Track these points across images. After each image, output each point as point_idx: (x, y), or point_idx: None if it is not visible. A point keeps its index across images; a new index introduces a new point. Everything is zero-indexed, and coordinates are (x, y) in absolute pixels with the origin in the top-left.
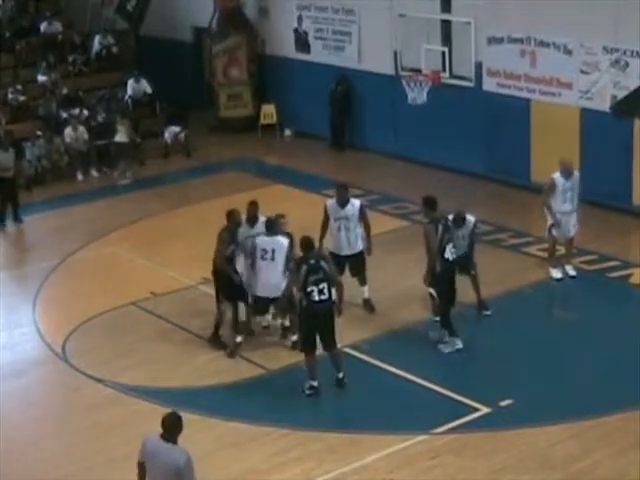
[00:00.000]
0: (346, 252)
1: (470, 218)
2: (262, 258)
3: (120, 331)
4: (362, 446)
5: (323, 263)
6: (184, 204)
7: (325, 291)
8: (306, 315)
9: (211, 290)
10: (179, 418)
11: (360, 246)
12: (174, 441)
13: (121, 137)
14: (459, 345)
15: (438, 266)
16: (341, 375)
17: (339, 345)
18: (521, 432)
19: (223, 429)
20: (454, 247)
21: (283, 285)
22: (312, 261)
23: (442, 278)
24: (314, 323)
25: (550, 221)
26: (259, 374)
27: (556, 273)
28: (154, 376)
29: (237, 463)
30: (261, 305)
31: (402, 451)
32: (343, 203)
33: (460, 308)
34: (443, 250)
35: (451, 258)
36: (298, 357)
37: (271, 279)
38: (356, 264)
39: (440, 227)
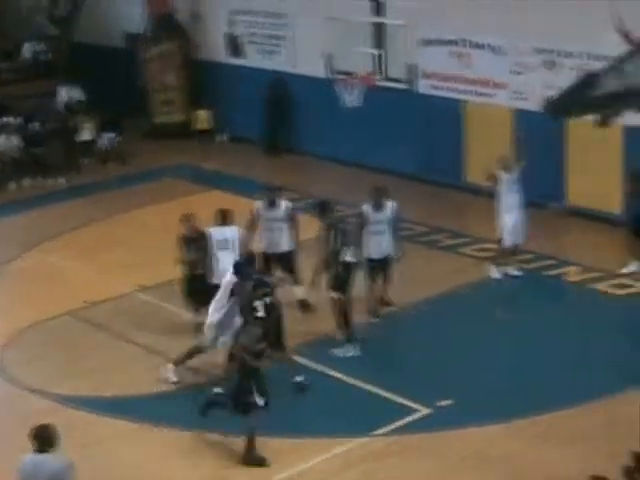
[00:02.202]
0: (272, 250)
1: (389, 202)
2: (220, 248)
3: (57, 340)
4: (304, 450)
5: (268, 278)
6: (121, 211)
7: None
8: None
9: (148, 297)
10: (51, 427)
11: (289, 246)
12: (50, 450)
13: (85, 136)
14: (351, 353)
15: (335, 269)
16: (298, 379)
17: None
18: (461, 432)
19: (164, 438)
20: (352, 250)
21: None
22: (258, 276)
23: (344, 281)
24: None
25: (504, 223)
26: (198, 381)
27: (496, 273)
28: (92, 385)
29: (180, 472)
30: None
31: (344, 454)
32: (272, 204)
33: (398, 310)
34: (338, 253)
35: (348, 260)
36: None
37: (227, 266)
38: (287, 264)
39: (334, 231)
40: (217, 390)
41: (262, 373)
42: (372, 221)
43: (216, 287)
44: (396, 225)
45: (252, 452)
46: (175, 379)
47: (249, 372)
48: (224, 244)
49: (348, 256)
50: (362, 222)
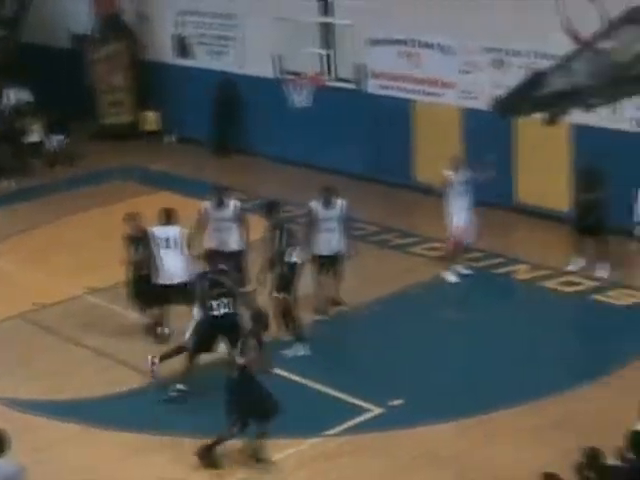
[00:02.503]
0: (222, 249)
1: (339, 200)
2: (163, 246)
3: (7, 343)
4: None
5: (224, 278)
6: (69, 213)
7: (226, 305)
8: (206, 324)
9: (97, 299)
10: (3, 433)
11: (239, 245)
12: (0, 455)
13: (34, 137)
14: (302, 352)
15: (279, 268)
16: None
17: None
18: (411, 431)
19: (114, 441)
20: (297, 250)
21: (184, 271)
22: (214, 276)
23: (288, 281)
24: (212, 334)
25: (454, 224)
26: (149, 383)
27: (452, 277)
28: (42, 388)
29: (131, 473)
30: (166, 294)
31: (296, 454)
32: (220, 204)
33: (349, 310)
34: (283, 253)
35: (293, 261)
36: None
37: (174, 265)
38: (235, 263)
39: (280, 231)
40: (179, 386)
41: None
42: (322, 218)
43: (162, 287)
44: (346, 223)
45: (212, 452)
46: (156, 373)
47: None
48: (167, 243)
49: (293, 256)
50: (312, 220)
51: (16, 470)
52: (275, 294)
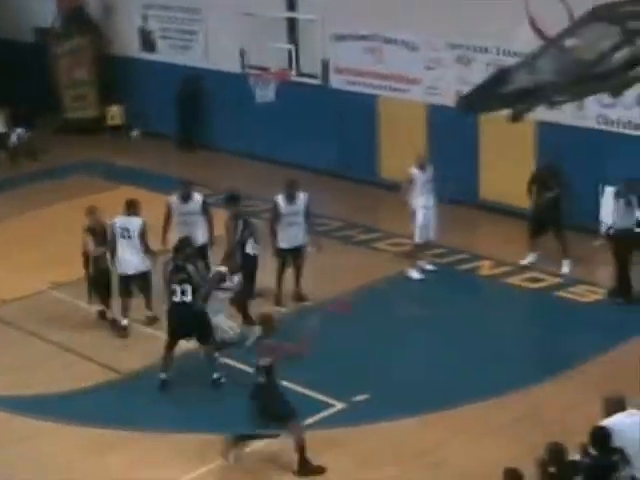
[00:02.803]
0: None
1: (302, 195)
2: (122, 236)
3: None
4: (217, 447)
5: (189, 266)
6: (31, 208)
7: (187, 293)
8: (170, 314)
9: (61, 294)
10: None
11: (204, 239)
12: None
13: None
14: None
15: (239, 259)
16: (216, 375)
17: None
18: (376, 426)
19: (80, 436)
20: (256, 242)
21: (143, 262)
22: (179, 262)
23: (247, 272)
24: (177, 322)
25: (416, 221)
26: (112, 378)
27: (416, 274)
28: (6, 385)
29: (92, 471)
30: (124, 285)
31: (260, 450)
32: (186, 198)
33: (313, 305)
34: (244, 244)
35: (252, 253)
36: (152, 359)
37: (132, 255)
38: (201, 257)
39: (241, 223)
40: (161, 375)
41: None
42: (285, 213)
43: (120, 277)
44: (309, 217)
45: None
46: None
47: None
48: (125, 233)
49: (251, 248)
50: (276, 214)
51: None
52: None
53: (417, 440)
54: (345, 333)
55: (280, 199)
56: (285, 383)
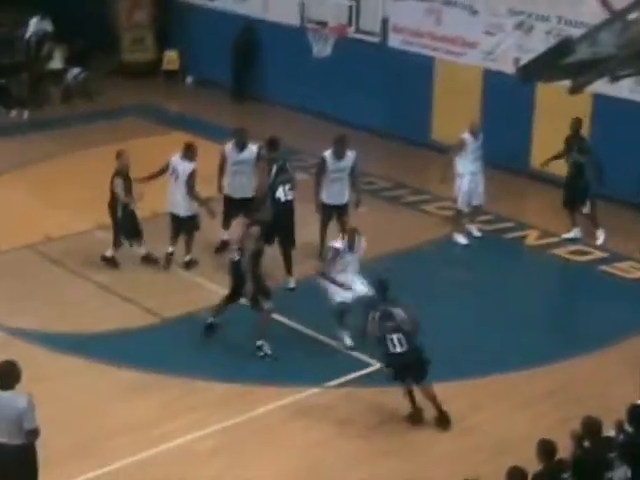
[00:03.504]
0: (239, 195)
1: (349, 152)
2: (172, 176)
3: (13, 274)
4: (254, 397)
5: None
6: (82, 148)
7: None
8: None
9: (106, 235)
10: (14, 365)
11: (252, 192)
12: (11, 387)
13: (56, 64)
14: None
15: (269, 204)
16: (259, 343)
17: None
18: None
19: (114, 377)
20: (290, 189)
21: (187, 206)
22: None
23: (275, 217)
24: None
25: (459, 186)
26: (153, 322)
27: (462, 239)
28: (46, 321)
29: (127, 412)
30: (171, 222)
31: (295, 403)
32: (241, 147)
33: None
34: (275, 189)
35: (282, 199)
36: (193, 306)
37: (172, 195)
38: (249, 209)
39: (275, 167)
40: (212, 319)
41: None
42: (332, 169)
43: (169, 214)
44: (355, 175)
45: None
46: None
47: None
48: (175, 174)
49: (282, 194)
50: (322, 169)
51: (27, 406)
52: None
53: (451, 405)
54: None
55: (328, 155)
56: (325, 339)
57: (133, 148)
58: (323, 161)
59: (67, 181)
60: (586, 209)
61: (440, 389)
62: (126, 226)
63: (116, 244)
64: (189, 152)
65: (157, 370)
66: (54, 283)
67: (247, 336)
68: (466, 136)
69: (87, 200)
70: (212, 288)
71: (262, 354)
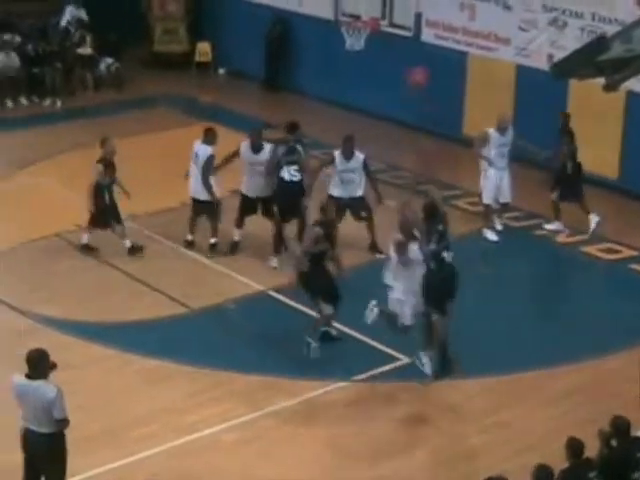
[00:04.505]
0: (255, 194)
1: (359, 154)
2: (193, 161)
3: (42, 262)
4: (280, 390)
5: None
6: (113, 137)
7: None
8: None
9: (135, 225)
10: (44, 354)
11: (268, 192)
12: (41, 376)
13: (86, 50)
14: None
15: (275, 183)
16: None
17: (263, 287)
18: (439, 384)
19: (140, 366)
20: (297, 171)
21: (203, 189)
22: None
23: (277, 196)
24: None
25: (486, 182)
26: (180, 312)
27: (492, 235)
28: (73, 309)
29: (153, 401)
30: (192, 206)
31: (320, 397)
32: (257, 149)
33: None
34: (280, 168)
35: (287, 178)
36: (220, 297)
37: (195, 180)
38: (268, 208)
39: (285, 147)
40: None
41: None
42: (341, 169)
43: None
44: (369, 174)
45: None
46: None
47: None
48: (195, 158)
49: (287, 173)
50: (328, 163)
51: (56, 395)
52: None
53: (476, 402)
54: None
55: (337, 154)
56: (352, 333)
57: (165, 138)
58: (332, 159)
59: None
60: (554, 196)
61: (465, 385)
62: (111, 213)
63: (115, 231)
64: (209, 136)
65: (183, 360)
66: (83, 271)
67: (273, 328)
68: (491, 131)
69: (117, 191)
70: (240, 279)
71: (306, 351)
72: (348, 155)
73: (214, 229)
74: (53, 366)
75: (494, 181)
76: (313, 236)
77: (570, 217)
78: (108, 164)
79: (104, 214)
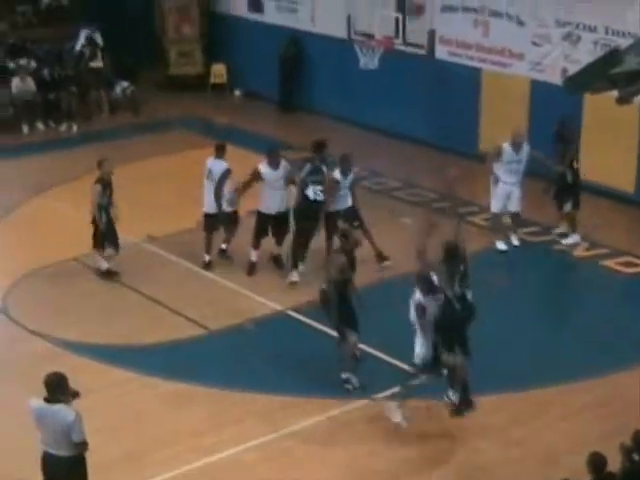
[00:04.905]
0: (275, 211)
1: (352, 170)
2: (207, 177)
3: (61, 286)
4: (299, 410)
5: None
6: (130, 161)
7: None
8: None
9: (154, 247)
10: (62, 377)
11: (285, 207)
12: (59, 400)
13: (97, 63)
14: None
15: (299, 200)
16: (344, 376)
17: (281, 307)
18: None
19: (159, 388)
20: (322, 191)
21: (219, 203)
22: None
23: (301, 213)
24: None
25: (495, 192)
26: (200, 334)
27: (501, 245)
28: (93, 332)
29: (172, 423)
30: (207, 223)
31: (341, 416)
32: (275, 166)
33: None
34: (305, 187)
35: (312, 197)
36: (239, 318)
37: (209, 196)
38: (282, 224)
39: (309, 166)
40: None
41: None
42: (342, 186)
43: (204, 215)
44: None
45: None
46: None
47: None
48: (209, 175)
49: (312, 192)
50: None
51: (75, 419)
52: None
53: (495, 419)
54: None
55: (337, 173)
56: (371, 351)
57: (181, 160)
58: (336, 182)
59: (115, 193)
60: (567, 208)
61: (484, 401)
62: (109, 234)
63: (99, 253)
64: (221, 151)
65: (202, 382)
66: (102, 294)
67: (292, 348)
68: (505, 146)
69: (135, 212)
70: (257, 299)
71: (349, 387)
72: (347, 173)
73: (228, 238)
74: (75, 395)
75: (503, 193)
76: (339, 265)
77: (591, 231)
78: (106, 185)
79: (101, 235)
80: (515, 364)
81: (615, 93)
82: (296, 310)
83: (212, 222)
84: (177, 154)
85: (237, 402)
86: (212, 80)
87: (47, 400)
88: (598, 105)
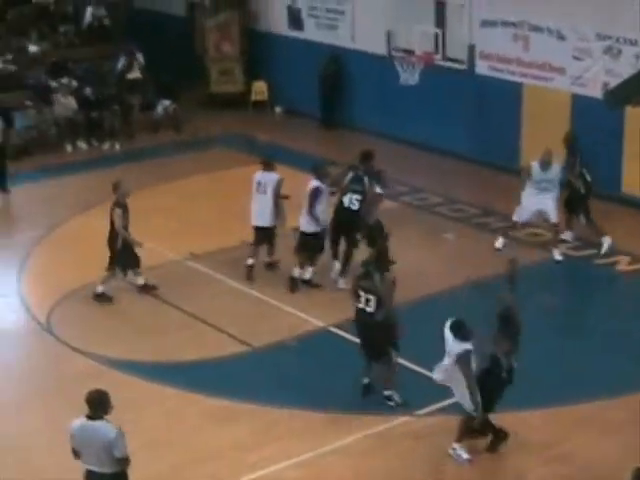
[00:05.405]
0: (325, 224)
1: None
2: (257, 190)
3: (103, 304)
4: (342, 426)
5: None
6: (172, 179)
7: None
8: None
9: (197, 265)
10: (104, 394)
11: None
12: (101, 417)
13: (135, 74)
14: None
15: (335, 205)
16: (387, 393)
17: (323, 323)
18: (500, 416)
19: (204, 405)
20: (358, 200)
21: (270, 217)
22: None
23: (334, 220)
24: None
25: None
26: (242, 350)
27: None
28: (136, 349)
29: (215, 440)
30: (256, 235)
31: (384, 432)
32: (324, 179)
33: (443, 292)
34: (344, 194)
35: (346, 204)
36: (281, 335)
37: (260, 209)
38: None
39: (351, 174)
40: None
41: None
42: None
43: (253, 227)
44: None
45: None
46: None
47: None
48: (258, 187)
49: (348, 200)
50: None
51: (116, 435)
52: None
53: (538, 434)
54: (471, 321)
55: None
56: (415, 367)
57: (223, 178)
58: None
59: (158, 211)
60: (586, 219)
61: (527, 416)
62: (124, 257)
63: (108, 277)
64: (269, 165)
65: (245, 398)
66: (145, 312)
67: (334, 364)
68: (534, 164)
69: (177, 230)
70: (300, 316)
71: (392, 404)
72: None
73: (272, 249)
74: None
75: (526, 203)
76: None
77: (633, 245)
78: (124, 207)
79: (116, 257)
80: (559, 378)
81: None
82: (338, 327)
83: (262, 236)
84: (219, 171)
85: (279, 419)
86: (253, 97)
87: (89, 417)
88: (639, 118)
